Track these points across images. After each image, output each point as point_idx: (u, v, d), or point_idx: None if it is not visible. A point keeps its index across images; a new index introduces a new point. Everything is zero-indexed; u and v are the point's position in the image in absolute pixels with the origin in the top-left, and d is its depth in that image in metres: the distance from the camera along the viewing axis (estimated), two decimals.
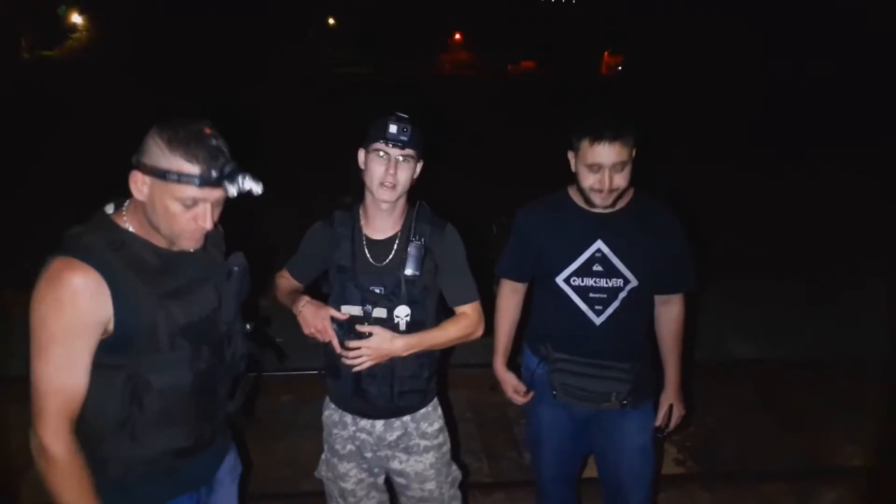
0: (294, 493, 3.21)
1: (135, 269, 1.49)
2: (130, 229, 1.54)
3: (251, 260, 1.78)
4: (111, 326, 1.46)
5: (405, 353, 1.97)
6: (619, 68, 42.64)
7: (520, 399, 2.40)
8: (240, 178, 1.49)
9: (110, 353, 1.47)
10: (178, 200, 1.48)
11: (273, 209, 7.49)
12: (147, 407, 1.52)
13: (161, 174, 1.45)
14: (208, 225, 1.53)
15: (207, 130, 1.49)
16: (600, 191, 2.05)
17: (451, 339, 2.06)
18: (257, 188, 1.51)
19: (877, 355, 4.33)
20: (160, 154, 1.45)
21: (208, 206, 1.51)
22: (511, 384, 2.40)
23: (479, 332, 2.11)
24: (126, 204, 1.58)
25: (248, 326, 1.78)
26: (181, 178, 1.45)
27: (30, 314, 1.42)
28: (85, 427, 1.49)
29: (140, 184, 1.49)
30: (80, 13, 37.38)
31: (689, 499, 3.22)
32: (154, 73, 20.10)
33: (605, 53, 44.79)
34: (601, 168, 2.02)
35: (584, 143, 2.04)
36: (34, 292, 1.42)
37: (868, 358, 4.34)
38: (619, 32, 41.20)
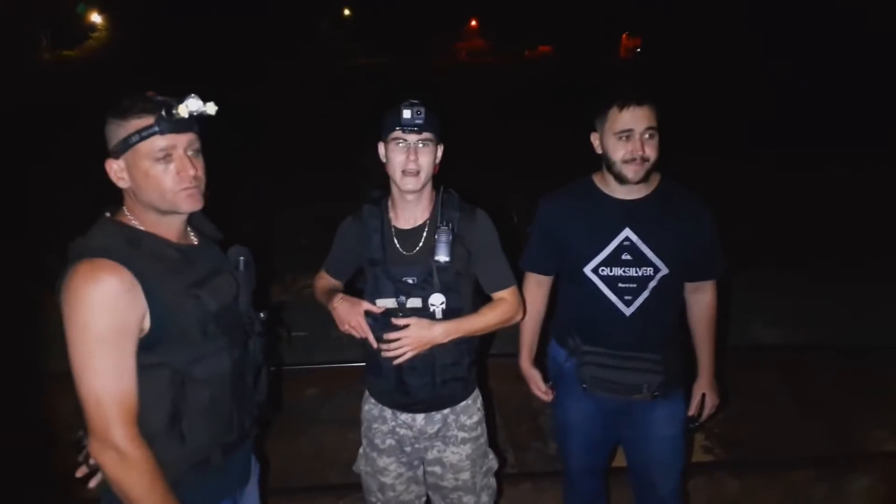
0: (322, 485, 3.21)
1: (158, 262, 1.49)
2: (139, 227, 1.54)
3: (262, 253, 1.79)
4: (146, 323, 1.45)
5: (445, 340, 1.96)
6: (638, 51, 42.14)
7: (545, 397, 2.38)
8: (185, 102, 1.48)
9: (150, 352, 1.46)
10: (151, 159, 1.48)
11: (290, 206, 7.59)
12: (194, 400, 1.52)
13: (125, 144, 1.46)
14: (191, 171, 1.52)
15: (150, 92, 1.50)
16: (633, 160, 2.01)
17: (490, 325, 2.04)
18: (210, 108, 1.51)
19: None
20: (117, 129, 1.47)
21: (181, 152, 1.51)
22: (536, 382, 2.38)
23: (520, 317, 2.12)
24: (123, 206, 1.57)
25: (262, 315, 1.78)
26: (142, 133, 1.46)
27: (66, 323, 1.39)
28: None
29: (117, 170, 1.50)
30: (100, 12, 37.68)
31: (717, 486, 3.18)
32: (168, 71, 20.24)
33: (624, 36, 44.28)
34: (632, 134, 2.00)
35: (613, 111, 2.01)
36: (67, 300, 1.39)
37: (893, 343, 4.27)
38: (637, 14, 40.65)
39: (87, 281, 1.38)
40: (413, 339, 1.93)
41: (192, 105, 1.48)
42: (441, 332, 1.94)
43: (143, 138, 1.46)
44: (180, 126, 1.49)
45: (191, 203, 1.55)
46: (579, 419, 2.33)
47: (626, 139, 2.00)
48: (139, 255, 1.46)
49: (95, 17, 37.65)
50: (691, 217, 2.15)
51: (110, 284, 1.39)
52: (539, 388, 2.38)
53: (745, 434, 3.66)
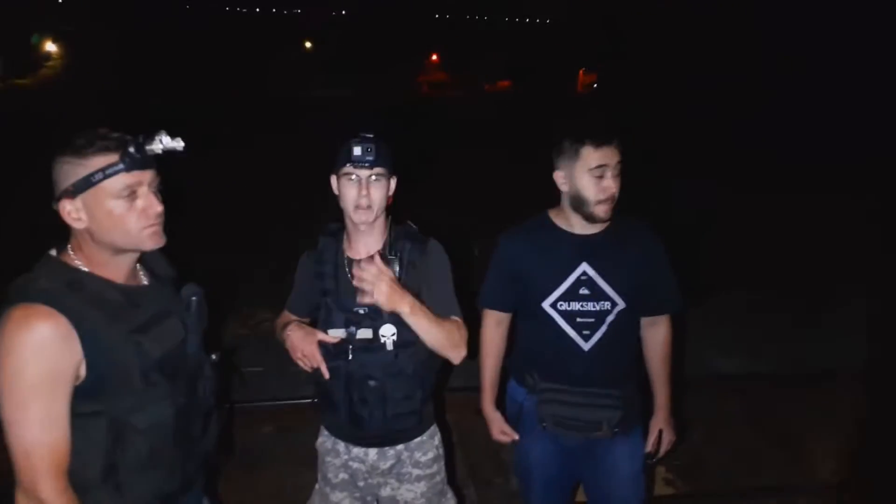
0: None
1: (98, 307, 1.42)
2: (83, 268, 1.48)
3: (217, 289, 1.74)
4: (83, 371, 1.39)
5: (407, 311, 1.82)
6: (595, 86, 43.24)
7: (507, 439, 2.34)
8: (158, 138, 1.44)
9: (86, 400, 1.40)
10: (115, 197, 1.42)
11: (246, 238, 7.49)
12: (132, 451, 1.45)
13: (86, 182, 1.40)
14: (157, 207, 1.48)
15: (102, 130, 1.45)
16: (607, 200, 2.02)
17: (444, 331, 1.90)
18: (179, 144, 1.46)
19: (860, 369, 4.35)
20: (75, 167, 1.41)
21: (145, 189, 1.46)
22: (498, 425, 2.34)
23: (463, 352, 1.97)
24: (69, 245, 1.51)
25: (213, 357, 1.72)
26: (106, 171, 1.40)
27: None
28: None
29: (73, 211, 1.43)
30: (54, 41, 37.17)
31: None
32: (127, 102, 19.99)
33: (581, 72, 45.43)
34: (605, 171, 2.00)
35: (587, 149, 2.00)
36: None
37: (852, 372, 4.35)
38: (593, 51, 41.82)
39: (20, 327, 1.33)
40: (386, 285, 1.78)
41: (165, 141, 1.44)
42: (409, 303, 1.82)
43: (107, 176, 1.40)
44: (144, 163, 1.44)
45: (154, 240, 1.51)
46: (539, 459, 2.30)
47: (600, 177, 2.01)
48: (79, 299, 1.40)
49: (50, 47, 37.10)
50: (646, 250, 2.18)
51: (43, 332, 1.33)
52: (503, 430, 2.33)
53: (706, 465, 3.67)
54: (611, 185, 2.02)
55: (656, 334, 2.28)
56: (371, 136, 1.91)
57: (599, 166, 2.00)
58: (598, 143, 2.00)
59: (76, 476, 1.40)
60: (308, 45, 51.48)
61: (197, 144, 1.48)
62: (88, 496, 1.43)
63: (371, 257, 1.94)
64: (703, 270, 6.18)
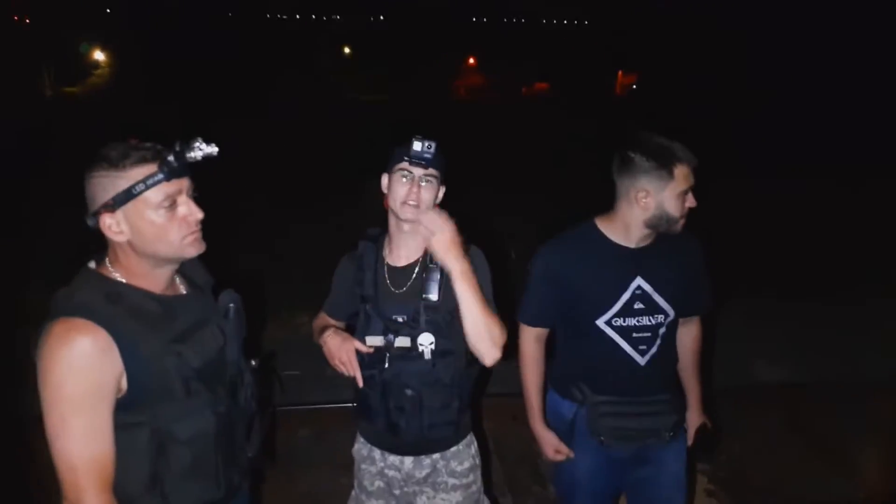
0: None
1: (137, 318, 1.43)
2: (121, 279, 1.48)
3: (254, 294, 1.74)
4: (124, 383, 1.40)
5: (459, 272, 1.77)
6: (634, 87, 42.73)
7: (559, 458, 2.23)
8: (196, 145, 1.43)
9: (128, 411, 1.41)
10: (157, 207, 1.42)
11: (286, 240, 7.58)
12: (175, 460, 1.46)
13: (127, 195, 1.40)
14: (198, 214, 1.48)
15: (135, 140, 1.45)
16: (684, 217, 2.00)
17: (485, 319, 1.81)
18: (214, 150, 1.45)
19: None
20: (113, 180, 1.40)
21: (185, 197, 1.47)
22: (552, 444, 2.23)
23: (497, 354, 1.87)
24: (106, 256, 1.52)
25: (253, 363, 1.72)
26: (147, 182, 1.40)
27: (41, 384, 1.34)
28: (113, 492, 1.41)
29: (114, 225, 1.43)
30: (102, 50, 38.28)
31: None
32: (172, 108, 20.46)
33: (619, 73, 44.95)
34: (689, 191, 1.98)
35: (682, 170, 1.95)
36: (41, 360, 1.35)
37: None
38: (631, 52, 41.33)
39: (62, 342, 1.34)
40: (448, 235, 1.76)
41: (204, 147, 1.44)
42: (462, 263, 1.78)
43: (148, 187, 1.40)
44: (181, 171, 1.45)
45: (196, 247, 1.51)
46: (588, 473, 2.22)
47: (685, 195, 1.97)
48: (118, 311, 1.41)
49: (98, 55, 38.21)
50: (690, 255, 2.15)
51: (84, 346, 1.34)
52: (558, 448, 2.22)
53: (748, 476, 3.57)
54: (693, 201, 1.99)
55: (689, 333, 2.27)
56: (430, 138, 1.92)
57: (690, 187, 1.97)
58: (693, 164, 1.96)
59: (121, 488, 1.41)
60: (347, 50, 52.05)
61: (230, 145, 1.48)
62: None
63: (411, 267, 1.95)
64: (747, 276, 6.04)
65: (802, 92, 21.59)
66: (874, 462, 3.63)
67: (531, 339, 2.23)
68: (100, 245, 1.51)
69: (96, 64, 38.66)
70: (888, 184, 9.44)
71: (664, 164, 1.94)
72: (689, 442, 2.28)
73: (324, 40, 46.02)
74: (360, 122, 20.36)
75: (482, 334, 1.82)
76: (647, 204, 1.98)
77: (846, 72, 22.49)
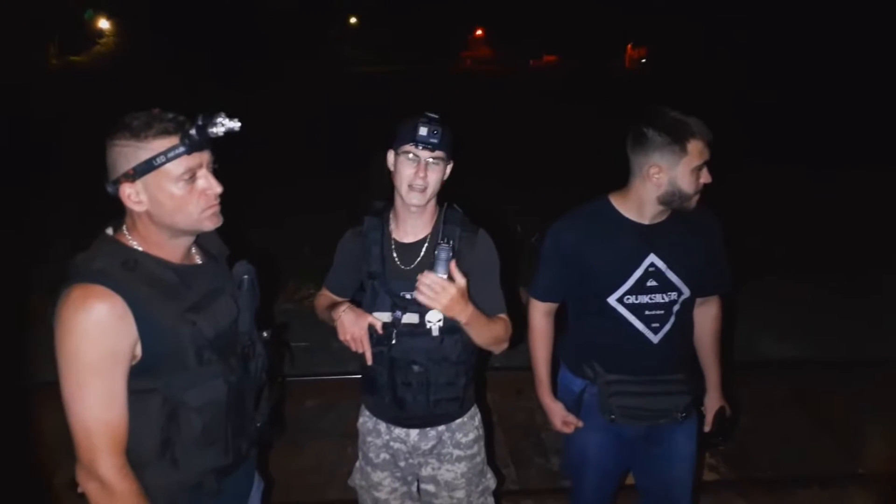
0: (320, 501, 3.17)
1: (153, 286, 1.44)
2: (138, 247, 1.49)
3: (266, 266, 1.75)
4: (139, 350, 1.42)
5: (465, 322, 1.80)
6: (643, 61, 42.21)
7: (568, 429, 2.25)
8: (218, 120, 1.43)
9: (142, 378, 1.43)
10: (177, 180, 1.43)
11: (293, 212, 7.58)
12: (186, 427, 1.49)
13: (148, 166, 1.41)
14: (217, 189, 1.49)
15: (157, 110, 1.45)
16: (699, 192, 1.98)
17: (493, 336, 1.92)
18: (236, 124, 1.45)
19: None
20: (135, 150, 1.41)
21: (205, 170, 1.48)
22: (560, 415, 2.24)
23: (505, 346, 2.01)
24: (124, 223, 1.53)
25: (265, 334, 1.74)
26: (168, 154, 1.41)
27: (57, 350, 1.37)
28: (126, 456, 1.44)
29: (134, 195, 1.44)
30: (108, 18, 37.93)
31: None
32: (179, 78, 20.32)
33: (629, 46, 44.38)
34: (703, 167, 1.95)
35: (697, 145, 1.91)
36: (58, 325, 1.37)
37: None
38: (641, 24, 40.71)
39: (78, 308, 1.35)
40: (444, 302, 1.72)
41: (227, 122, 1.44)
42: (469, 314, 1.79)
43: (169, 159, 1.41)
44: (203, 144, 1.45)
45: (214, 221, 1.52)
46: (597, 450, 2.23)
47: (700, 171, 1.95)
48: (134, 279, 1.42)
49: (103, 24, 37.87)
50: (707, 233, 2.11)
51: (101, 312, 1.35)
52: (566, 419, 2.24)
53: (751, 451, 3.60)
54: (708, 177, 1.96)
55: (708, 313, 2.23)
56: (437, 118, 1.89)
57: (704, 162, 1.94)
58: (707, 139, 1.93)
59: (133, 452, 1.44)
60: (353, 20, 51.47)
61: (243, 118, 1.47)
62: (146, 471, 1.46)
63: (419, 244, 1.96)
64: (754, 254, 6.03)
65: (822, 74, 21.17)
66: (878, 439, 3.64)
67: (541, 313, 2.24)
68: (118, 211, 1.52)
69: (101, 33, 38.32)
70: None
71: (677, 139, 1.91)
72: (708, 427, 2.26)
73: (331, 9, 45.45)
74: (365, 93, 20.20)
75: (490, 343, 1.95)
76: (659, 180, 1.96)
77: (876, 49, 21.98)
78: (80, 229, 1.55)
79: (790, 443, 3.68)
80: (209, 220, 1.51)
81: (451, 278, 1.73)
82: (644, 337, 2.07)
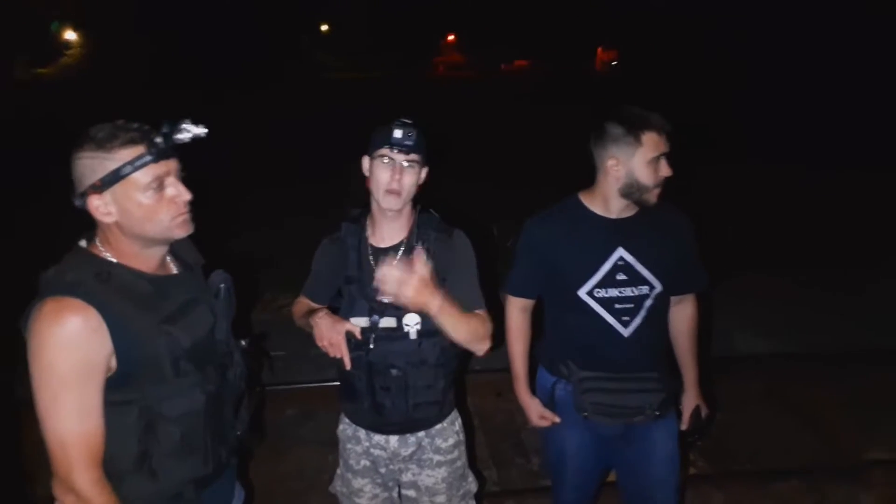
0: None
1: (127, 298, 1.43)
2: (112, 259, 1.48)
3: (242, 275, 1.74)
4: (114, 362, 1.41)
5: (436, 311, 1.76)
6: (614, 63, 42.64)
7: (545, 424, 2.27)
8: (183, 127, 1.43)
9: (118, 390, 1.42)
10: (145, 189, 1.43)
11: (267, 223, 7.53)
12: (164, 438, 1.48)
13: (115, 176, 1.40)
14: (186, 196, 1.48)
15: (121, 121, 1.45)
16: (660, 185, 2.01)
17: (470, 329, 1.87)
18: (202, 131, 1.46)
19: (887, 348, 4.31)
20: (101, 162, 1.40)
21: (173, 178, 1.47)
22: (537, 411, 2.27)
23: (487, 344, 1.96)
24: (97, 235, 1.51)
25: (243, 343, 1.73)
26: (135, 163, 1.40)
27: (31, 363, 1.35)
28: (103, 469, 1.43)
29: (102, 206, 1.43)
30: (74, 30, 37.39)
31: (702, 499, 3.17)
32: (149, 91, 20.09)
33: (599, 49, 44.79)
34: (661, 158, 1.98)
35: (650, 136, 1.97)
36: (32, 339, 1.36)
37: (880, 350, 4.31)
38: (611, 27, 41.12)
39: (52, 321, 1.34)
40: (412, 288, 1.70)
41: (192, 129, 1.44)
42: (438, 304, 1.76)
43: (136, 168, 1.41)
44: (169, 152, 1.45)
45: (185, 228, 1.51)
46: (575, 449, 2.26)
47: (657, 163, 1.99)
48: (108, 290, 1.41)
49: (70, 35, 37.31)
50: (678, 230, 2.15)
51: (74, 325, 1.35)
52: (542, 415, 2.26)
53: (729, 445, 3.65)
54: (668, 170, 2.00)
55: (683, 311, 2.26)
56: (410, 122, 1.91)
57: (660, 154, 1.98)
58: (660, 130, 1.98)
59: (110, 464, 1.43)
60: (325, 27, 51.31)
61: (214, 126, 1.47)
62: (123, 483, 1.45)
63: (395, 249, 1.96)
64: (730, 250, 6.12)
65: (803, 71, 21.49)
66: (855, 432, 3.72)
67: (516, 309, 2.27)
68: (90, 224, 1.51)
69: (67, 44, 37.75)
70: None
71: (631, 131, 1.97)
72: (684, 425, 2.29)
73: (302, 18, 45.25)
74: (339, 100, 20.15)
75: (469, 340, 1.89)
76: (618, 172, 2.02)
77: (845, 50, 22.35)
78: (57, 243, 1.53)
79: (767, 437, 3.74)
80: (179, 228, 1.50)
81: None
82: (615, 330, 2.10)
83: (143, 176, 1.42)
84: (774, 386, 4.18)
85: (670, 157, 2.01)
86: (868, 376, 4.06)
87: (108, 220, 1.45)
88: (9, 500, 2.94)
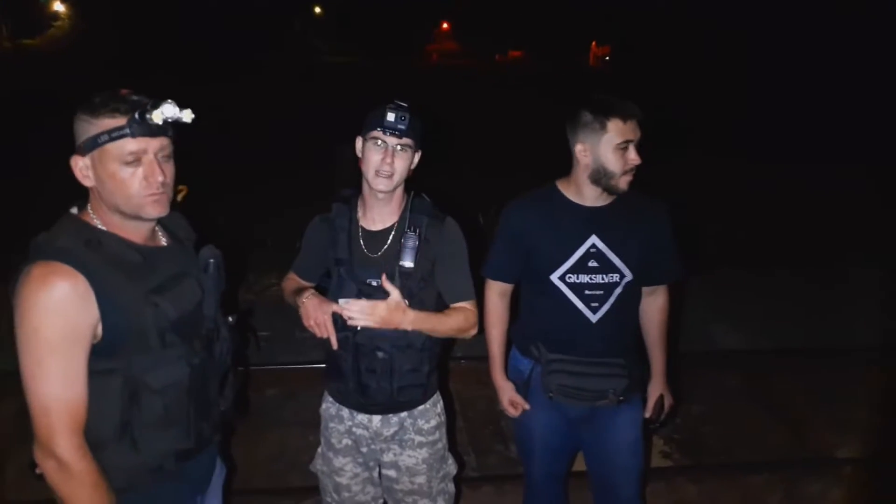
0: (282, 488, 3.18)
1: (116, 266, 1.44)
2: (102, 227, 1.49)
3: (231, 253, 1.75)
4: (99, 330, 1.41)
5: (409, 328, 1.90)
6: (607, 59, 42.68)
7: (514, 412, 2.33)
8: (160, 109, 1.42)
9: (102, 358, 1.43)
10: (119, 161, 1.43)
11: (255, 204, 7.50)
12: (147, 409, 1.48)
13: (93, 142, 1.42)
14: (159, 177, 1.47)
15: (124, 91, 1.46)
16: (630, 171, 2.03)
17: (451, 329, 2.00)
18: (186, 115, 1.46)
19: (861, 344, 4.39)
20: (87, 126, 1.42)
21: (150, 157, 1.46)
22: (509, 394, 2.33)
23: (474, 331, 2.07)
24: (88, 202, 1.52)
25: (230, 319, 1.74)
26: (112, 134, 1.41)
27: (17, 327, 1.36)
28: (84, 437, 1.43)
29: (82, 168, 1.46)
30: (62, 1, 36.81)
31: (675, 491, 3.23)
32: (140, 67, 19.83)
33: (593, 44, 44.81)
34: (629, 146, 2.00)
35: (614, 123, 1.99)
36: (19, 303, 1.36)
37: (853, 347, 4.39)
38: (606, 23, 41.12)
39: (40, 286, 1.35)
40: (380, 318, 1.85)
41: (167, 111, 1.43)
42: (410, 321, 1.88)
43: (112, 139, 1.41)
44: (153, 130, 1.44)
45: (156, 209, 1.50)
46: (542, 428, 2.32)
47: (624, 150, 2.01)
48: (97, 258, 1.41)
49: (58, 6, 36.71)
50: (653, 222, 2.19)
51: (62, 290, 1.35)
52: (512, 400, 2.32)
53: (704, 438, 3.72)
54: (635, 157, 2.02)
55: (655, 302, 2.31)
56: (405, 105, 1.92)
57: (626, 140, 2.00)
58: (626, 116, 2.00)
59: (92, 433, 1.43)
60: (318, 10, 50.85)
61: (204, 111, 1.48)
62: (104, 453, 1.46)
63: (386, 232, 1.99)
64: (708, 244, 6.19)
65: (794, 69, 21.59)
66: (829, 425, 3.79)
67: (494, 293, 2.31)
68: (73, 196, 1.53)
69: (55, 15, 37.15)
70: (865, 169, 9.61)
71: (597, 117, 2.01)
72: (648, 413, 2.34)
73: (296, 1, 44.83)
74: (330, 85, 20.02)
75: (454, 335, 2.02)
76: (586, 158, 2.06)
77: (837, 47, 22.43)
78: (50, 215, 1.53)
79: (743, 430, 3.80)
80: (151, 207, 1.49)
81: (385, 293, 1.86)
82: (583, 315, 2.15)
83: (117, 148, 1.42)
84: (751, 380, 4.24)
85: (641, 145, 2.03)
86: (843, 372, 4.13)
87: (87, 183, 1.47)
88: None
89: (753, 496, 3.23)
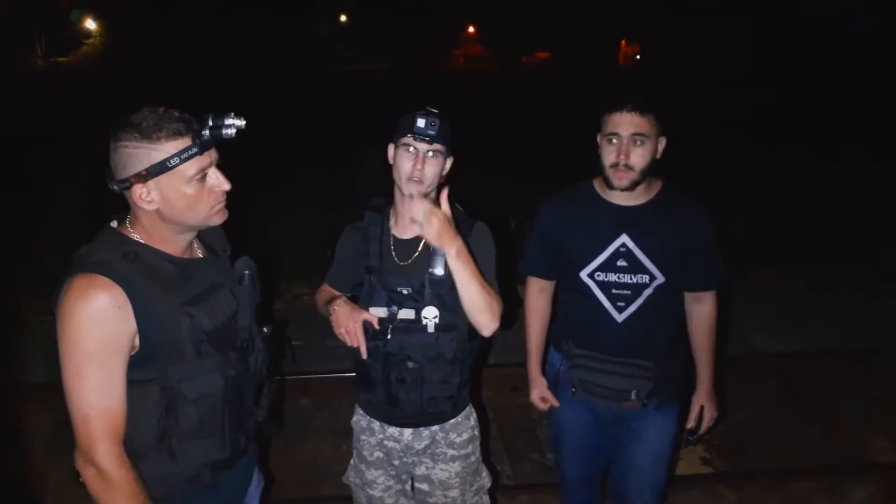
0: (315, 497, 3.18)
1: (152, 278, 1.46)
2: (140, 240, 1.51)
3: (265, 264, 1.76)
4: (137, 341, 1.44)
5: (454, 254, 1.76)
6: (637, 57, 42.28)
7: (543, 406, 2.36)
8: (227, 120, 1.46)
9: (140, 368, 1.45)
10: (190, 180, 1.46)
11: (285, 212, 7.55)
12: (183, 419, 1.50)
13: (162, 168, 1.42)
14: (226, 186, 1.52)
15: (162, 109, 1.46)
16: (617, 165, 2.00)
17: (482, 293, 1.83)
18: (243, 122, 1.49)
19: None
20: (147, 152, 1.42)
21: (214, 168, 1.50)
22: (539, 390, 2.36)
23: (495, 324, 1.89)
24: (128, 217, 1.55)
25: (265, 329, 1.76)
26: (182, 156, 1.43)
27: (58, 338, 1.39)
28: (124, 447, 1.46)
29: (146, 194, 1.46)
30: (94, 19, 37.65)
31: (716, 499, 3.15)
32: (167, 78, 20.21)
33: (623, 42, 44.43)
34: (617, 139, 1.99)
35: (609, 114, 2.02)
36: (60, 314, 1.39)
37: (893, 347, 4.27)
38: (636, 20, 40.71)
39: (80, 297, 1.37)
40: (438, 223, 1.72)
41: (237, 122, 1.47)
42: (457, 245, 1.76)
43: (183, 161, 1.43)
44: (210, 143, 1.48)
45: (221, 217, 1.56)
46: (572, 425, 2.34)
47: (611, 143, 2.01)
48: (134, 270, 1.44)
49: (90, 24, 37.56)
50: (690, 226, 2.12)
51: (101, 302, 1.38)
52: (542, 396, 2.35)
53: (744, 444, 3.63)
54: (621, 151, 1.99)
55: (700, 310, 2.24)
56: (436, 111, 1.90)
57: (612, 132, 2.00)
58: (614, 108, 2.01)
59: (131, 443, 1.46)
60: (343, 18, 51.32)
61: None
62: (144, 462, 1.49)
63: (417, 240, 1.96)
64: (741, 247, 6.06)
65: (823, 67, 21.17)
66: (869, 429, 3.68)
67: (534, 289, 2.35)
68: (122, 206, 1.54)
69: (87, 33, 38.03)
70: None
71: (602, 111, 2.06)
72: (690, 423, 2.29)
73: (321, 8, 45.26)
74: (358, 92, 20.14)
75: (481, 307, 1.84)
76: (600, 151, 2.08)
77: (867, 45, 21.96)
78: (78, 230, 1.55)
79: (782, 436, 3.70)
80: (217, 216, 1.55)
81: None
82: (608, 314, 2.13)
83: (189, 168, 1.45)
84: (789, 383, 4.14)
85: (643, 143, 1.99)
86: (885, 375, 4.01)
87: (149, 207, 1.48)
88: (20, 487, 2.97)
89: (797, 502, 3.13)
